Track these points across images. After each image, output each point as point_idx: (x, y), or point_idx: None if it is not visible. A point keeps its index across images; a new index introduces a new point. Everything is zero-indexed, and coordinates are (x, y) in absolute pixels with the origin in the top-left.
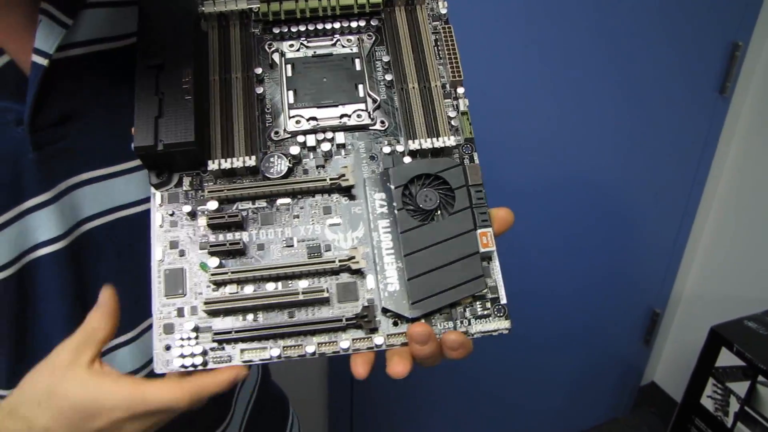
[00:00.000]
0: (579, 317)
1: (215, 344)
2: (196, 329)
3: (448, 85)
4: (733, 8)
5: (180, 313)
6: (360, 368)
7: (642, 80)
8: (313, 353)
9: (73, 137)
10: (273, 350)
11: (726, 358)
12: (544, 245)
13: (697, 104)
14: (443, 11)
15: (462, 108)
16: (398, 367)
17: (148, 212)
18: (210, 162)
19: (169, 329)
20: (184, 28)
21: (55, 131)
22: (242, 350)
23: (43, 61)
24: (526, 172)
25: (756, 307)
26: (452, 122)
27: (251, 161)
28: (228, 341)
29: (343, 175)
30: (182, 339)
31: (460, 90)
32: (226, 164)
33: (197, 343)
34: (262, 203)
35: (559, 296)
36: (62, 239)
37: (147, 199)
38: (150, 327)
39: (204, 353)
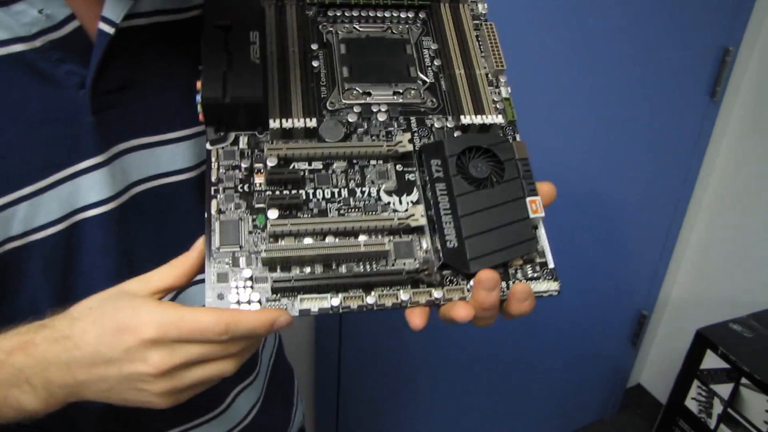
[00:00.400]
0: (567, 318)
1: (273, 294)
2: (252, 279)
3: (490, 74)
4: (724, 14)
5: (235, 262)
6: (417, 319)
7: (633, 83)
8: (373, 304)
9: (128, 104)
10: (333, 300)
11: (711, 361)
12: None
13: (687, 108)
14: (483, 11)
15: (504, 94)
16: (462, 310)
17: (191, 180)
18: (271, 120)
19: (222, 278)
20: None
21: (113, 97)
22: (301, 299)
23: (110, 29)
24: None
25: (741, 310)
26: (497, 105)
27: (311, 122)
28: (286, 290)
29: (401, 142)
30: (237, 288)
31: (503, 78)
32: (287, 123)
33: (253, 292)
34: (319, 165)
35: (547, 299)
36: (112, 201)
37: (190, 168)
38: (190, 285)
39: (259, 303)
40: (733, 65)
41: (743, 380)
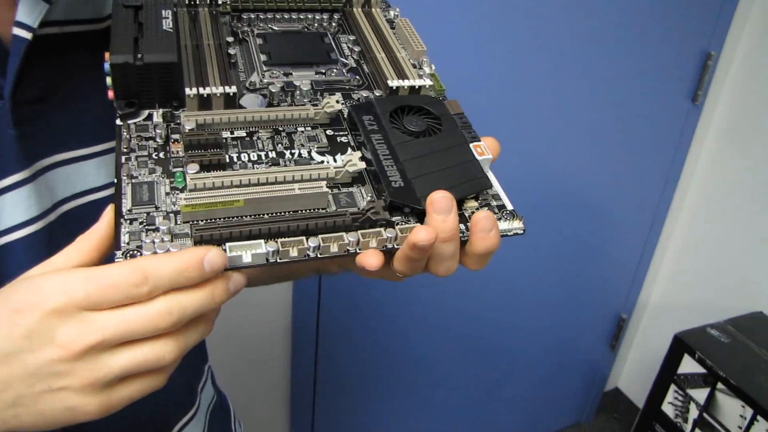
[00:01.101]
0: (545, 320)
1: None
2: (171, 233)
3: (412, 59)
4: (706, 19)
5: (150, 221)
6: (372, 258)
7: (615, 85)
8: (316, 248)
9: (51, 116)
10: (269, 245)
11: (688, 365)
12: (512, 246)
13: (669, 111)
14: (395, 14)
15: (429, 71)
16: (422, 232)
17: None
18: (187, 88)
19: (135, 237)
20: None
21: (35, 109)
22: (230, 248)
23: (27, 35)
24: (494, 173)
25: (719, 315)
26: (424, 77)
27: (231, 89)
28: (212, 240)
29: (329, 102)
30: (153, 243)
31: (425, 59)
32: (204, 90)
33: (172, 245)
34: (242, 133)
35: (527, 299)
36: (38, 220)
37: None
38: None
39: None
40: (715, 69)
41: (719, 385)
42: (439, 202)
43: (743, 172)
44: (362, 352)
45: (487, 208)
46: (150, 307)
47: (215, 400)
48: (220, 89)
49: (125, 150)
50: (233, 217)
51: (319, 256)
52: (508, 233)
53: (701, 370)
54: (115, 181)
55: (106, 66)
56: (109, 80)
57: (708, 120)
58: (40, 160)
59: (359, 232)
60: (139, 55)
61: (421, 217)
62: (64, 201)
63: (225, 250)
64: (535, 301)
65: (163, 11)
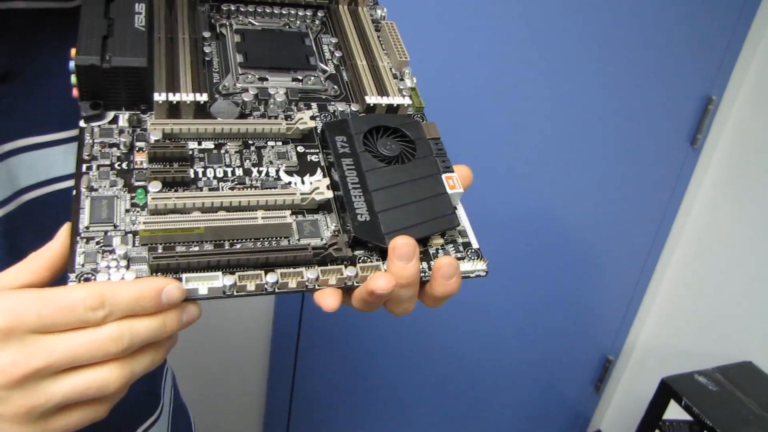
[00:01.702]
0: (531, 358)
1: (152, 274)
2: (127, 257)
3: (394, 68)
4: (709, 63)
5: (107, 241)
6: (329, 299)
7: (614, 125)
8: (274, 284)
9: (14, 97)
10: (226, 279)
11: (674, 412)
12: (499, 281)
13: (667, 153)
14: (383, 14)
15: (410, 84)
16: (381, 279)
17: None
18: (156, 93)
19: (90, 258)
20: None
21: None
22: (187, 279)
23: None
24: (487, 208)
25: (707, 362)
26: (403, 92)
27: (202, 97)
28: (169, 269)
29: (302, 118)
30: (108, 267)
31: (407, 70)
32: (174, 97)
33: (128, 272)
34: (210, 145)
35: (513, 335)
36: None
37: None
38: None
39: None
40: (715, 114)
41: None
42: (402, 248)
43: (739, 219)
44: (341, 376)
45: (452, 245)
46: (101, 331)
47: (178, 404)
48: (191, 96)
49: (87, 158)
50: (193, 242)
51: (276, 291)
52: (470, 275)
53: (687, 417)
54: (74, 192)
55: (71, 65)
56: (74, 78)
57: (706, 164)
58: (2, 144)
59: (319, 269)
60: (108, 57)
61: (384, 253)
62: (26, 189)
63: (181, 280)
64: (520, 338)
65: (137, 4)
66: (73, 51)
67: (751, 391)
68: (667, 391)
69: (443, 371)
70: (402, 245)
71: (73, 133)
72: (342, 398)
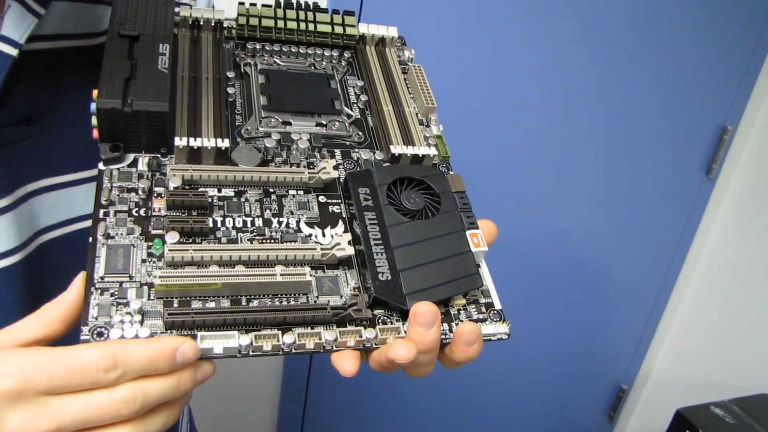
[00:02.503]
0: (543, 386)
1: (166, 331)
2: (141, 312)
3: (420, 114)
4: (724, 93)
5: (122, 293)
6: (347, 363)
7: (629, 153)
8: (291, 345)
9: (36, 138)
10: (242, 339)
11: None
12: (516, 308)
13: (682, 183)
14: (410, 56)
15: (436, 132)
16: (402, 349)
17: None
18: (177, 138)
19: (104, 311)
20: (164, 12)
21: (19, 130)
22: (202, 337)
23: (12, 51)
24: (501, 233)
25: (724, 393)
26: (428, 141)
27: (223, 143)
28: (184, 326)
29: (324, 168)
30: (122, 322)
31: (433, 117)
32: (195, 142)
33: (141, 327)
34: (230, 192)
35: (525, 363)
36: (19, 251)
37: None
38: None
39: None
40: (731, 144)
41: None
42: (423, 315)
43: (754, 249)
44: (353, 406)
45: (474, 306)
46: (113, 393)
47: None
48: (212, 142)
49: (104, 203)
50: (209, 297)
51: (293, 351)
52: (492, 338)
53: None
54: (90, 240)
55: (93, 107)
56: (94, 120)
57: (721, 194)
58: (24, 185)
59: (338, 330)
60: (129, 100)
61: (405, 314)
62: (46, 230)
63: (196, 338)
64: (532, 366)
65: (161, 46)
66: (95, 93)
67: None
68: (682, 422)
69: (454, 401)
70: (424, 312)
71: (93, 173)
72: (354, 420)
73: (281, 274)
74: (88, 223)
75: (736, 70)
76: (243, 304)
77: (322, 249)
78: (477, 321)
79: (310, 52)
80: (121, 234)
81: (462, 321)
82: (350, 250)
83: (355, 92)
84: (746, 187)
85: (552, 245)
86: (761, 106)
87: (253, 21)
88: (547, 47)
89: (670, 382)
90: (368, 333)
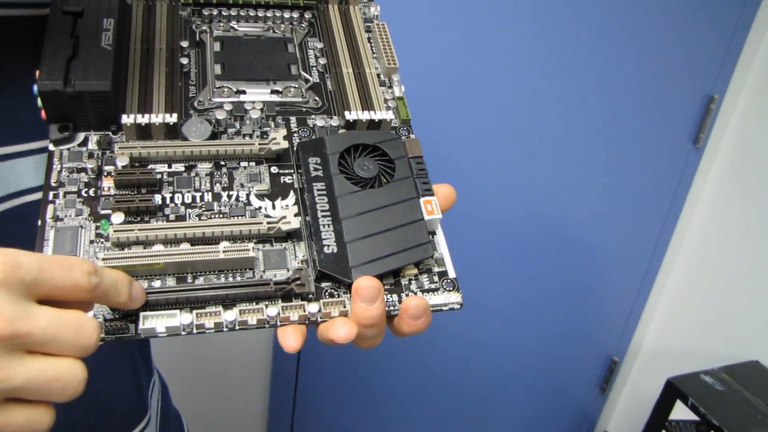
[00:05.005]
0: (535, 361)
1: (110, 313)
2: None
3: (382, 75)
4: (710, 62)
5: None
6: (291, 339)
7: (615, 125)
8: (233, 322)
9: None
10: (184, 317)
11: (680, 412)
12: (506, 284)
13: (670, 153)
14: (375, 13)
15: (398, 93)
16: (342, 329)
17: None
18: (124, 115)
19: None
20: None
21: None
22: (144, 317)
23: None
24: (489, 211)
25: (714, 362)
26: (388, 104)
27: (171, 118)
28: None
29: (274, 138)
30: None
31: (395, 77)
32: (142, 119)
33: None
34: (180, 167)
35: (517, 338)
36: None
37: None
38: None
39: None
40: (718, 113)
41: None
42: (365, 290)
43: (742, 218)
44: (343, 392)
45: (427, 275)
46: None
47: (167, 411)
48: (160, 118)
49: (54, 184)
50: (155, 276)
51: (236, 328)
52: (443, 308)
53: (694, 417)
54: (38, 222)
55: (35, 88)
56: (40, 101)
57: (709, 164)
58: None
59: (280, 305)
60: (71, 81)
61: (350, 288)
62: None
63: (138, 318)
64: (525, 340)
65: (105, 21)
66: (37, 73)
67: (758, 390)
68: (673, 391)
69: (448, 374)
70: (365, 287)
71: (44, 143)
72: (346, 399)
73: (224, 251)
74: (38, 195)
75: (722, 39)
76: (189, 281)
77: (268, 223)
78: (429, 291)
79: (269, 15)
80: (70, 216)
81: (412, 292)
82: (296, 224)
83: (315, 55)
84: (734, 156)
85: (539, 219)
86: (747, 75)
87: None
88: (528, 13)
89: (661, 353)
90: (311, 308)
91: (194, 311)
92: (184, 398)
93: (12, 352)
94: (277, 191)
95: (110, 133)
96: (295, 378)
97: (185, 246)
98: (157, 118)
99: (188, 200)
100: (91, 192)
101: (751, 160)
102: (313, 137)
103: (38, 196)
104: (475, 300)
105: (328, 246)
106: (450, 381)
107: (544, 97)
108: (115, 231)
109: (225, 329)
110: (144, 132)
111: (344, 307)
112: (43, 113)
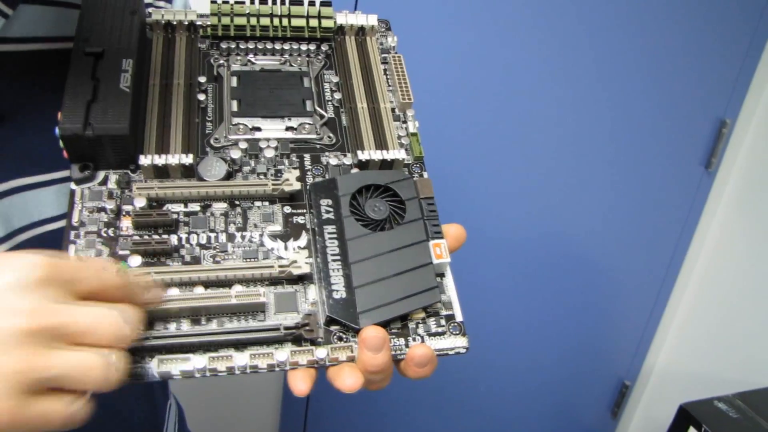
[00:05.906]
0: (546, 383)
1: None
2: None
3: (397, 109)
4: (722, 86)
5: None
6: (300, 383)
7: (630, 149)
8: (244, 366)
9: (4, 139)
10: (197, 361)
11: None
12: (517, 306)
13: (682, 177)
14: (392, 44)
15: (412, 129)
16: (349, 379)
17: None
18: (142, 156)
19: None
20: (130, 23)
21: None
22: (160, 361)
23: None
24: (501, 230)
25: (727, 388)
26: (402, 140)
27: (187, 159)
28: (143, 350)
29: (287, 180)
30: None
31: (410, 112)
32: (159, 160)
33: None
34: (196, 207)
35: (528, 360)
36: None
37: None
38: None
39: None
40: (730, 137)
41: None
42: (371, 340)
43: (755, 241)
44: (353, 415)
45: (434, 318)
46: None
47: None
48: (177, 158)
49: (75, 224)
50: (170, 319)
51: (248, 372)
52: (449, 353)
53: None
54: None
55: (57, 131)
56: (61, 142)
57: (721, 187)
58: None
59: (289, 349)
60: (90, 124)
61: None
62: (20, 230)
63: (155, 364)
64: (535, 362)
65: (124, 62)
66: (59, 115)
67: None
68: (685, 417)
69: (458, 396)
70: (371, 337)
71: (65, 173)
72: (355, 421)
73: (236, 296)
74: (58, 224)
75: (734, 63)
76: (203, 323)
77: (279, 267)
78: (435, 335)
79: (286, 47)
80: (91, 256)
81: (419, 336)
82: (306, 269)
83: (330, 89)
84: (746, 180)
85: (552, 242)
86: (760, 99)
87: (226, 20)
88: (542, 39)
89: (674, 378)
90: (320, 353)
91: (207, 354)
92: (198, 421)
93: (52, 343)
94: (290, 232)
95: (129, 171)
96: (306, 403)
97: (200, 290)
98: (173, 159)
99: (203, 240)
100: (111, 232)
101: (763, 184)
102: (326, 176)
103: (59, 224)
104: (486, 321)
105: (337, 291)
106: (460, 403)
107: (557, 121)
108: (134, 275)
109: (237, 372)
110: (161, 171)
111: (352, 351)
112: (65, 153)
